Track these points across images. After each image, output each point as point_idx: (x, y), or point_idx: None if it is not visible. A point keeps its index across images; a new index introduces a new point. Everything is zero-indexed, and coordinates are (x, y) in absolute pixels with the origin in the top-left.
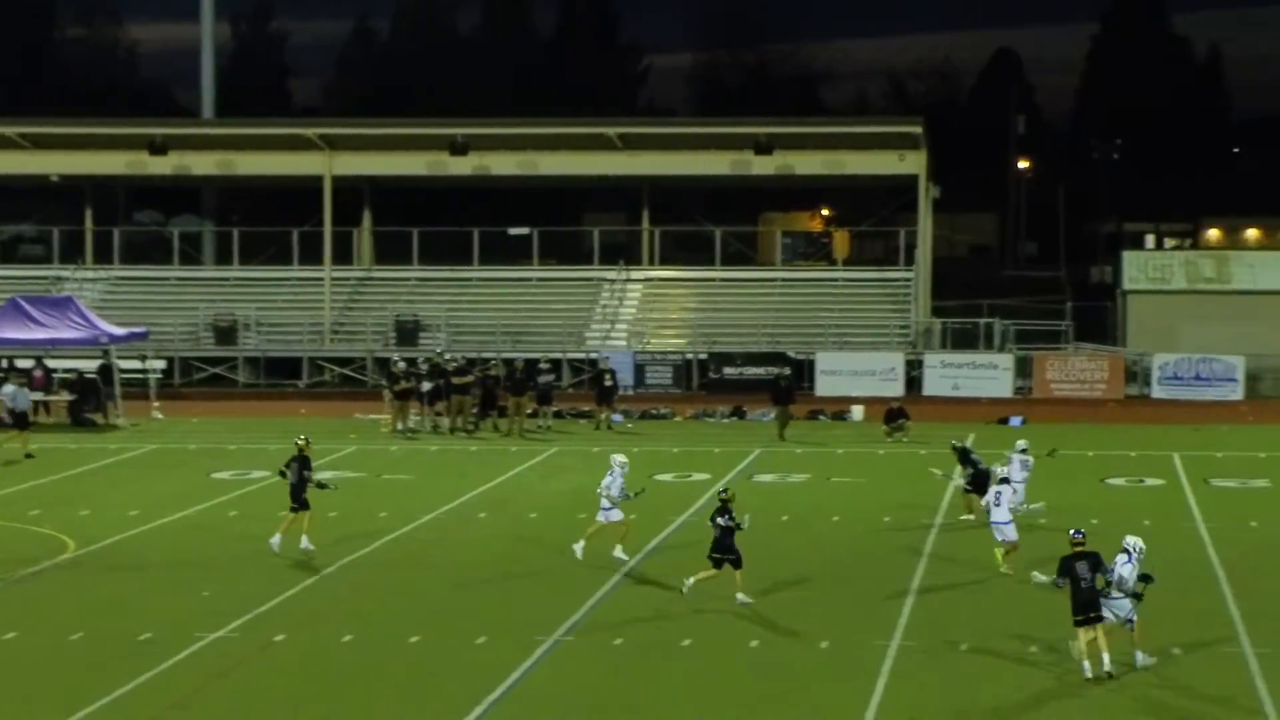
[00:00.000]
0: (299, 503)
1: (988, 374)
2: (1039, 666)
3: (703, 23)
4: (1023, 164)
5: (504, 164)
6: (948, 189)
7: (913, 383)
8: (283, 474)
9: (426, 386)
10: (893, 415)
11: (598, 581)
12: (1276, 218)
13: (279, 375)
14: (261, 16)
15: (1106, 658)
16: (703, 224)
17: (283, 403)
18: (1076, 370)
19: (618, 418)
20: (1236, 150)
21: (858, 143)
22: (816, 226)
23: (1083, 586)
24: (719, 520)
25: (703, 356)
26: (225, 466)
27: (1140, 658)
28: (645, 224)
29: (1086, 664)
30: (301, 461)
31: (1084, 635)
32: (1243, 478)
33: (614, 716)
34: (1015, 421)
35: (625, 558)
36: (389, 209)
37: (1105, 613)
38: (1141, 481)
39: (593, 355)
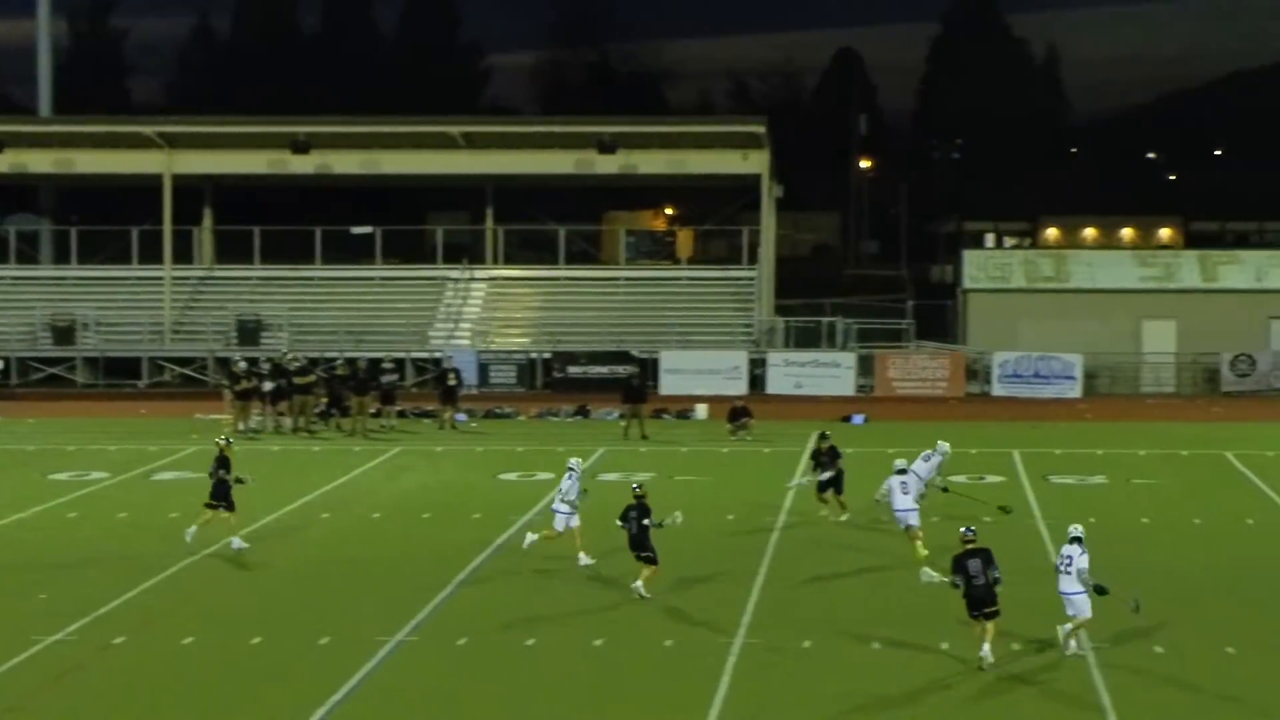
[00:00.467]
0: (224, 502)
1: (830, 372)
2: (880, 662)
3: (545, 22)
4: (865, 163)
5: (346, 162)
6: (791, 188)
7: (756, 381)
8: (211, 475)
9: (268, 387)
10: (736, 414)
11: (442, 582)
12: (1113, 217)
13: (118, 375)
14: (100, 13)
15: (988, 648)
16: (547, 223)
17: (122, 403)
18: (918, 368)
19: (461, 417)
20: (1074, 150)
21: (701, 142)
22: (660, 226)
23: (975, 584)
24: (633, 516)
25: (547, 355)
26: (63, 468)
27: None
28: (489, 223)
29: (984, 645)
30: (221, 461)
31: (986, 628)
32: (1081, 474)
33: (457, 716)
34: (857, 419)
35: (591, 562)
36: (230, 208)
37: (1070, 608)
38: (982, 479)
39: (437, 354)
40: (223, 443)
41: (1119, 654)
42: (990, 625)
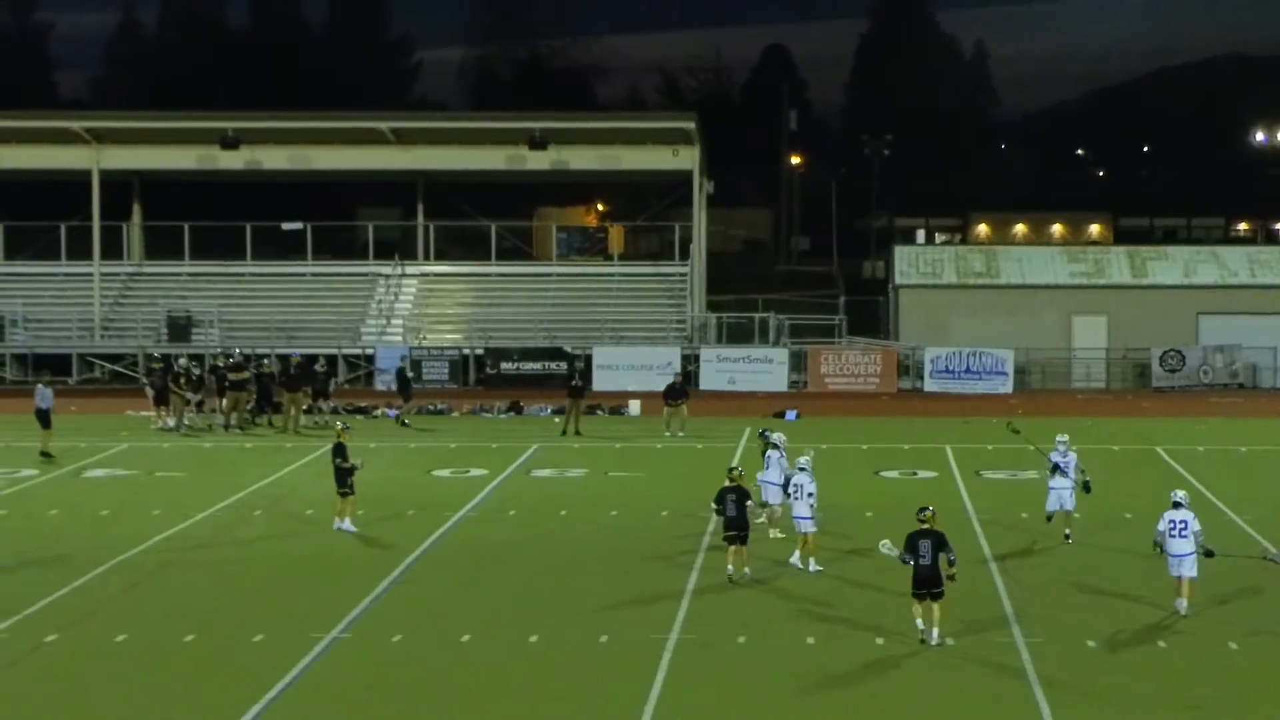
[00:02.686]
0: (345, 487)
1: (763, 368)
2: (818, 653)
3: (474, 17)
4: (795, 159)
5: (276, 158)
6: (721, 184)
7: (689, 377)
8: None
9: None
10: (674, 392)
11: (376, 578)
12: (1043, 213)
13: (48, 372)
14: (24, 7)
15: (936, 631)
16: (478, 219)
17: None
18: (850, 364)
19: (392, 413)
20: (1004, 146)
21: (631, 138)
22: (592, 222)
23: (923, 564)
24: (731, 499)
25: (479, 352)
26: None
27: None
28: (420, 219)
29: (933, 629)
30: (338, 449)
31: (931, 608)
32: (1012, 469)
33: (391, 713)
34: (790, 415)
35: (819, 568)
36: (159, 203)
37: (1182, 569)
38: (915, 474)
39: (369, 350)
40: (340, 428)
41: (1050, 647)
42: (935, 606)
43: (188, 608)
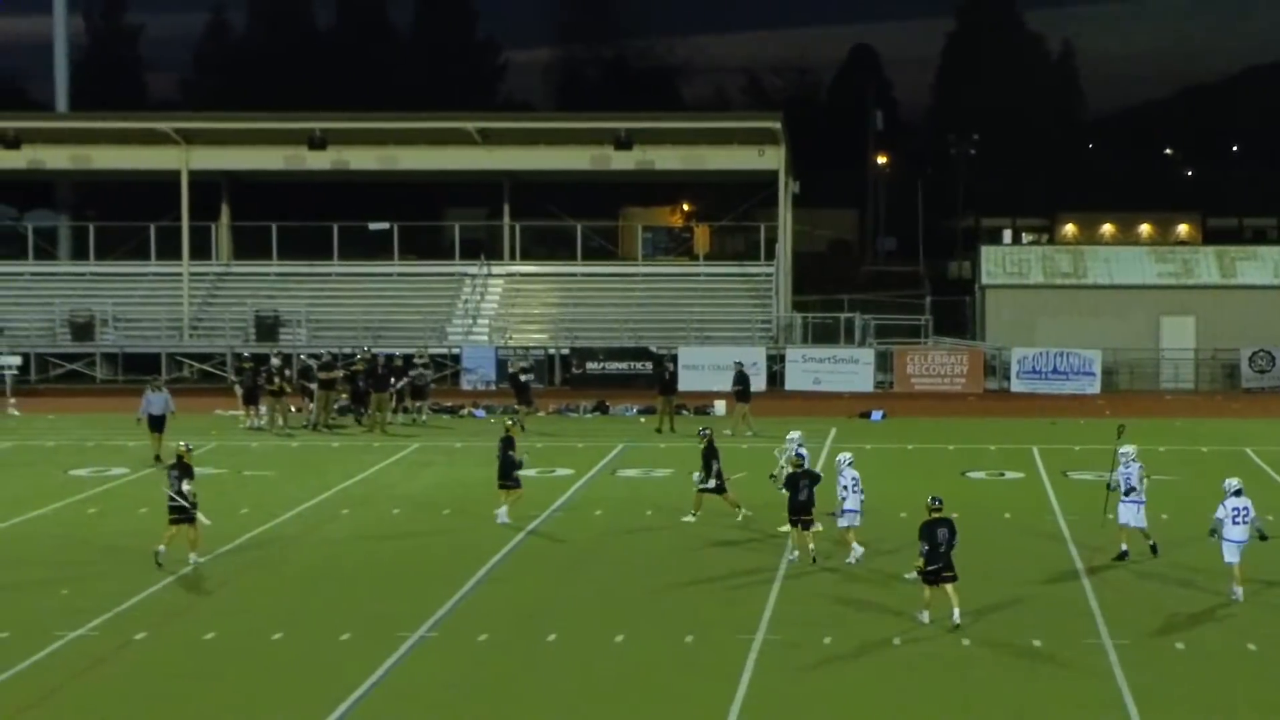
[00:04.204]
0: (511, 480)
1: (849, 368)
2: (901, 657)
3: (560, 18)
4: (881, 159)
5: (363, 159)
6: (807, 184)
7: (775, 377)
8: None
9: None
10: (741, 381)
11: (462, 577)
12: (1131, 213)
13: (137, 371)
14: (115, 9)
15: (957, 611)
16: (563, 219)
17: (141, 399)
18: (936, 364)
19: (479, 413)
20: (1091, 146)
21: (717, 138)
22: (677, 222)
23: (941, 551)
24: (805, 483)
25: (565, 352)
26: (83, 464)
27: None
28: (506, 219)
29: (954, 609)
30: (507, 442)
31: (946, 591)
32: (1100, 471)
33: (477, 712)
34: (876, 416)
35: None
36: (247, 204)
37: (1236, 555)
38: (1001, 475)
39: (455, 350)
40: (510, 423)
41: (1140, 650)
42: (950, 588)
43: (275, 606)
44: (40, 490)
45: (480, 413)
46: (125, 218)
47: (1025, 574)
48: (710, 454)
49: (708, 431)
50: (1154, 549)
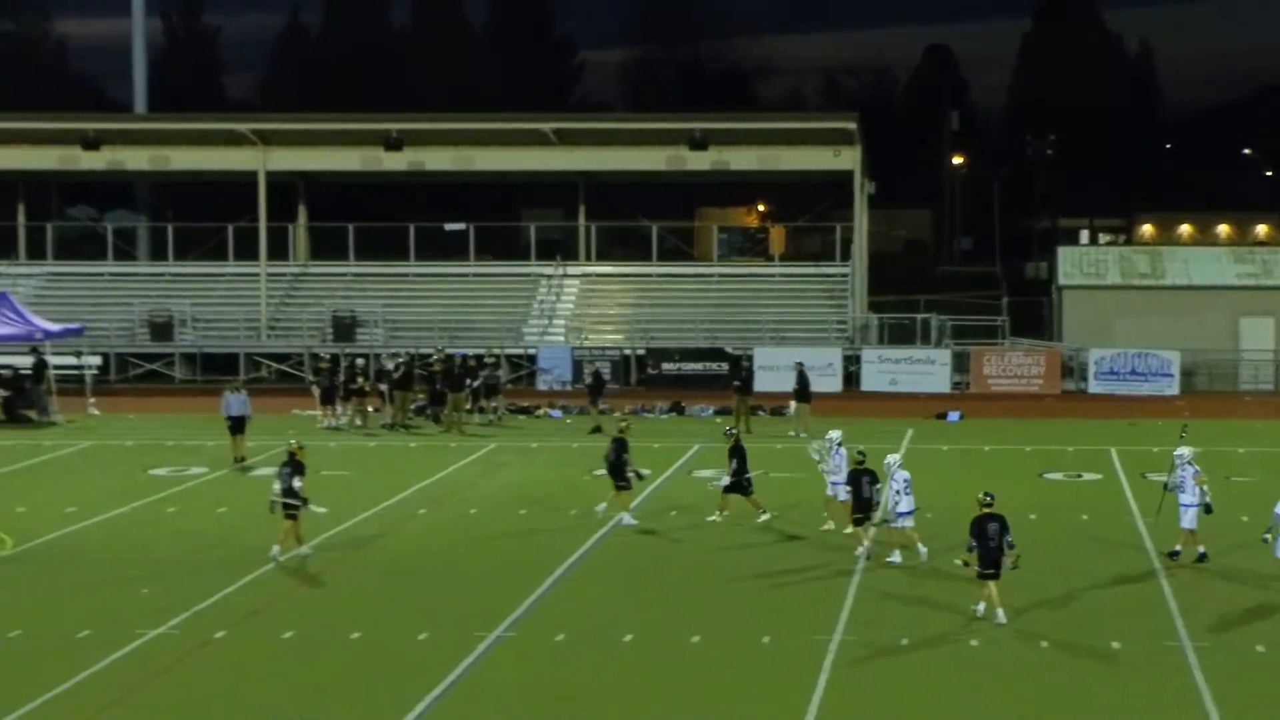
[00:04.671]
0: (622, 481)
1: (925, 369)
2: (979, 659)
3: (636, 18)
4: (957, 160)
5: (439, 159)
6: (883, 184)
7: (851, 378)
8: (608, 458)
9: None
10: (801, 381)
11: (539, 578)
12: (1208, 213)
13: (215, 371)
14: (193, 11)
15: (1001, 611)
16: (639, 219)
17: (219, 399)
18: (1013, 365)
19: (555, 413)
20: (1169, 146)
21: (792, 138)
22: (752, 222)
23: (991, 545)
24: (866, 480)
25: (641, 352)
26: (162, 463)
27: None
28: (581, 219)
29: (996, 610)
30: (620, 445)
31: (993, 588)
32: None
33: (555, 712)
34: (953, 416)
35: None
36: (324, 204)
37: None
38: (1079, 476)
39: (531, 350)
40: (624, 425)
41: (1220, 652)
42: (993, 585)
43: (353, 605)
44: (120, 489)
45: (556, 413)
46: (203, 218)
47: (1103, 576)
48: (736, 454)
49: (734, 431)
50: (1202, 556)
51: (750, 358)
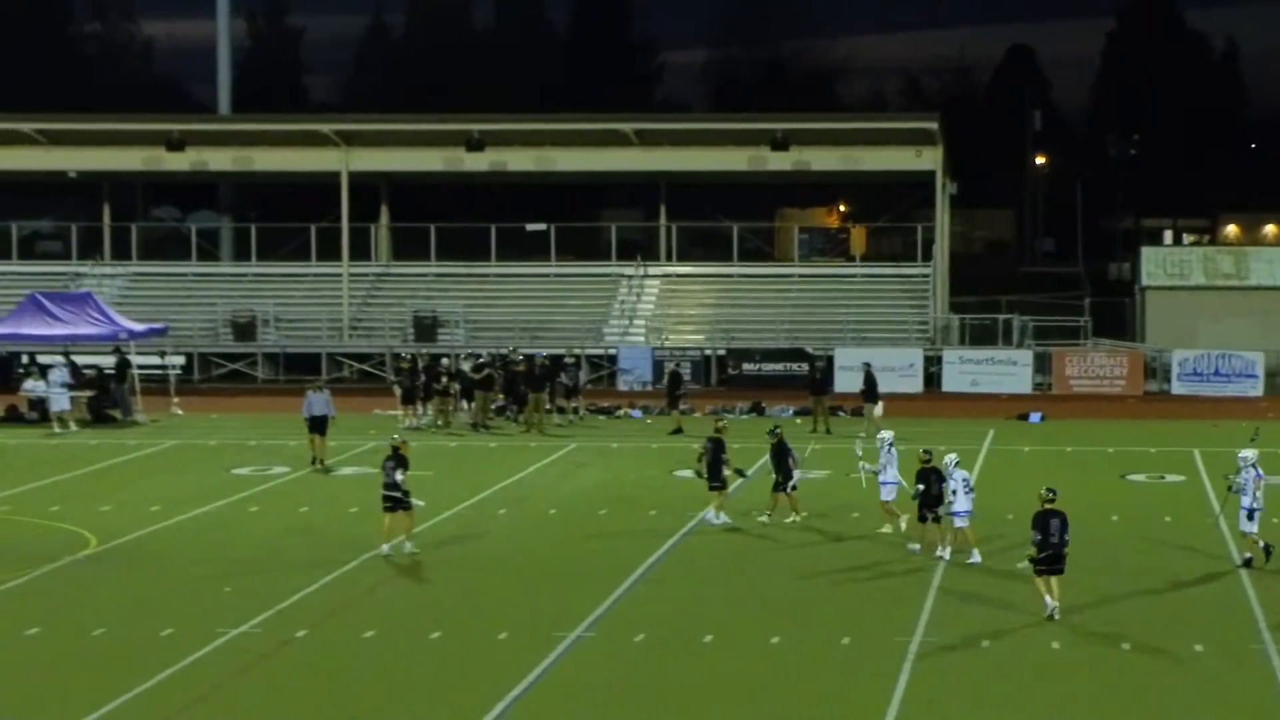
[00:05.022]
0: (719, 481)
1: (1007, 370)
2: (1061, 661)
3: (716, 19)
4: (1040, 160)
5: (520, 160)
6: (965, 185)
7: (931, 379)
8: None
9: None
10: (869, 382)
11: (619, 578)
12: None
13: (298, 371)
14: (277, 12)
15: (1054, 602)
16: (719, 220)
17: (301, 399)
18: (1096, 366)
19: (636, 413)
20: (1254, 145)
21: (874, 138)
22: (833, 222)
23: (1053, 541)
24: (934, 479)
25: (721, 352)
26: (245, 462)
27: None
28: (662, 219)
29: (1049, 600)
30: (718, 444)
31: (1050, 583)
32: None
33: (635, 712)
34: (1034, 418)
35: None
36: (406, 205)
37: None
38: (1162, 478)
39: (611, 351)
40: (722, 425)
41: None
42: (1055, 580)
43: (434, 605)
44: (203, 489)
45: (636, 413)
46: (286, 219)
47: (1185, 577)
48: (781, 452)
49: (779, 431)
50: (1247, 563)
51: (828, 359)
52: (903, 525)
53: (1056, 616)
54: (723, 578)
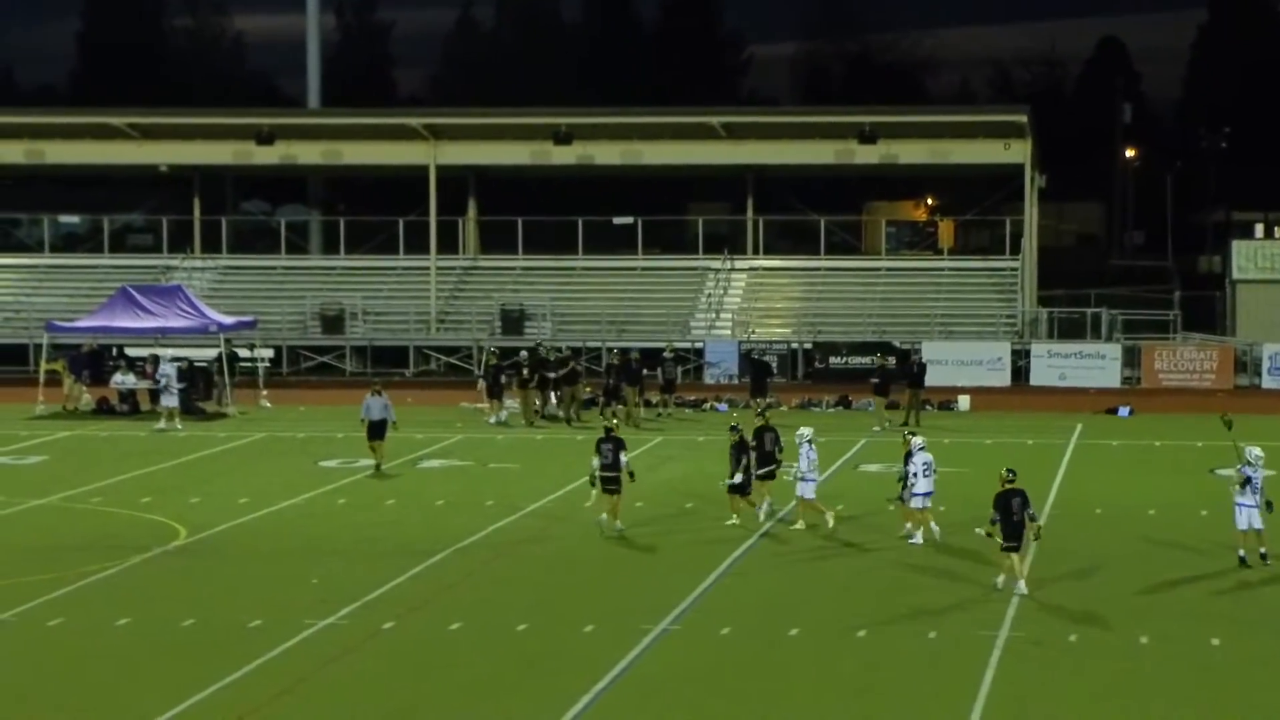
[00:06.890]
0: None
1: (1095, 364)
2: (1147, 655)
3: (805, 13)
4: (1130, 153)
5: (608, 153)
6: (1054, 178)
7: (1019, 373)
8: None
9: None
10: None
11: (704, 571)
12: None
13: (385, 364)
14: (366, 6)
15: (1022, 584)
16: (807, 213)
17: (389, 391)
18: (1185, 360)
19: (722, 407)
20: None
21: (962, 131)
22: (921, 216)
23: (1014, 519)
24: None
25: (808, 346)
26: (333, 455)
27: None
28: (749, 213)
29: (1002, 579)
30: (771, 434)
31: (1015, 560)
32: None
33: (721, 706)
34: (1123, 412)
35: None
36: (493, 198)
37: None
38: None
39: (698, 344)
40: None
41: None
42: (1015, 558)
43: (520, 597)
44: (291, 481)
45: (723, 406)
46: (374, 212)
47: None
48: (741, 450)
49: (739, 428)
50: (1242, 560)
51: (919, 351)
52: (829, 521)
53: (1024, 590)
54: (809, 571)
